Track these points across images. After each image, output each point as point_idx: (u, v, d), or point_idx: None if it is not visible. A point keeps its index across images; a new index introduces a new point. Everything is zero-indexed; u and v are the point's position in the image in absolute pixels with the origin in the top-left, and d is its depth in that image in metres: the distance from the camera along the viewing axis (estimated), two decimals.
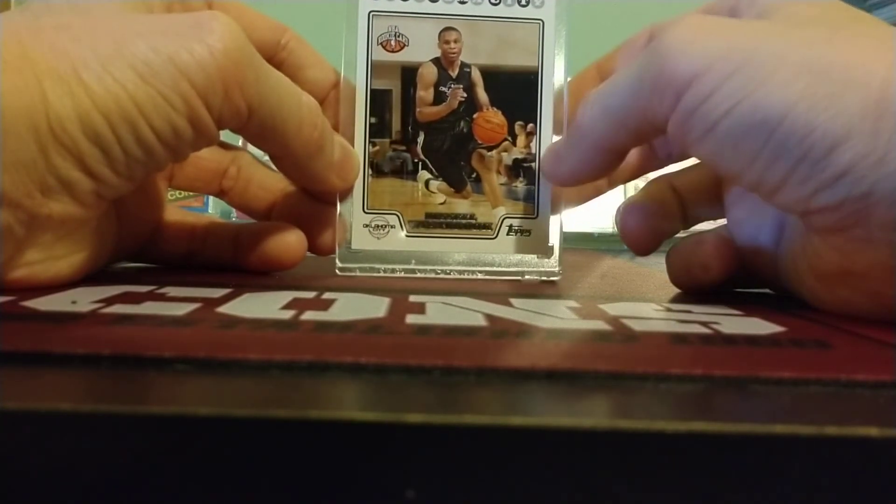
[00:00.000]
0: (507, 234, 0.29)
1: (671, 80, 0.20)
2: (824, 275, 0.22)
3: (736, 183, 0.21)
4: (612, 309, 0.21)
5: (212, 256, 0.30)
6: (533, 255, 0.29)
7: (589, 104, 0.24)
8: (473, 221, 0.29)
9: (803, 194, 0.19)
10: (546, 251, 0.29)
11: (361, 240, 0.28)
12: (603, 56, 0.30)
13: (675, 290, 0.28)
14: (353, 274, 0.28)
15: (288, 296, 0.21)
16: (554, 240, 0.29)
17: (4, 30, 0.19)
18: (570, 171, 0.26)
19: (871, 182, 0.18)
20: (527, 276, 0.29)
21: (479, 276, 0.29)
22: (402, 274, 0.28)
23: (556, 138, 0.29)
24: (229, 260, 0.29)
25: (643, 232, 0.28)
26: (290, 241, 0.28)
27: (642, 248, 0.29)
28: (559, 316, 0.19)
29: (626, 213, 0.29)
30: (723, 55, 0.19)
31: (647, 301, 0.24)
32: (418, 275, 0.28)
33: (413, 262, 0.29)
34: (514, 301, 0.22)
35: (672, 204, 0.29)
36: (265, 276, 0.28)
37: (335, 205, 0.28)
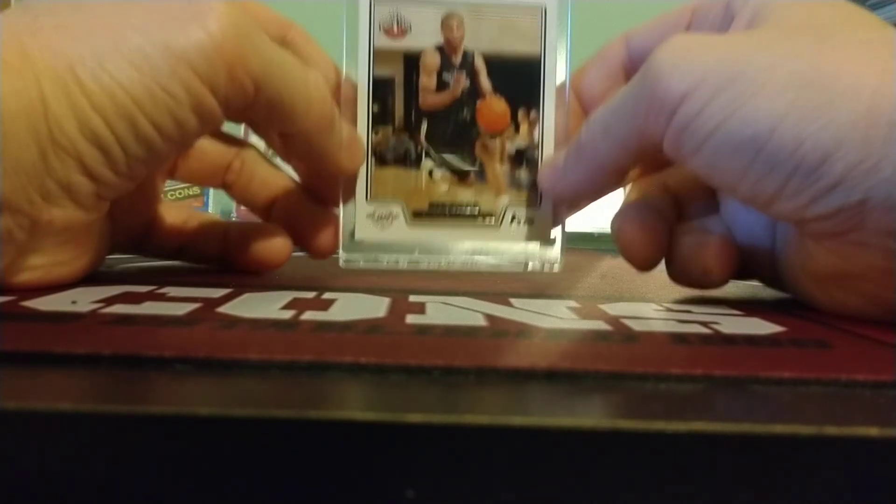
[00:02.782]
0: (511, 223, 0.29)
1: (664, 98, 0.20)
2: (819, 276, 0.22)
3: (731, 195, 0.21)
4: (612, 309, 0.21)
5: (201, 252, 0.30)
6: (536, 244, 0.29)
7: (590, 125, 0.24)
8: (477, 210, 0.29)
9: (798, 205, 0.19)
10: (548, 240, 0.29)
11: (365, 230, 0.28)
12: (575, 71, 0.29)
13: (675, 291, 0.27)
14: (356, 265, 0.28)
15: (288, 296, 0.21)
16: (556, 229, 0.29)
17: (4, 30, 0.19)
18: (571, 189, 0.26)
19: (866, 189, 0.18)
20: (530, 266, 0.29)
21: (483, 265, 0.29)
22: (406, 265, 0.28)
23: (559, 122, 0.29)
24: (217, 257, 0.29)
25: (644, 241, 0.26)
26: (275, 243, 0.28)
27: (644, 260, 0.26)
28: (559, 316, 0.19)
29: (623, 219, 0.26)
30: (712, 71, 0.19)
31: (647, 301, 0.24)
32: (422, 265, 0.28)
33: (417, 251, 0.28)
34: (514, 301, 0.22)
35: (667, 204, 0.28)
36: (265, 276, 0.28)
37: (335, 205, 0.28)
